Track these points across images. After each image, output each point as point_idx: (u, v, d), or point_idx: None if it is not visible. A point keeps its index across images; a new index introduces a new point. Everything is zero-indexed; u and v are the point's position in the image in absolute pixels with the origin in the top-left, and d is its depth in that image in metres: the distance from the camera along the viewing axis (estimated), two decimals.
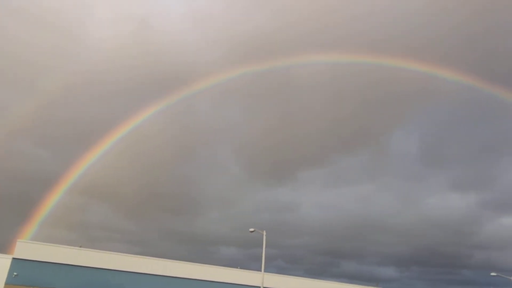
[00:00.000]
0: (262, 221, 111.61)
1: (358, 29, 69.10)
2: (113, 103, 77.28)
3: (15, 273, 40.10)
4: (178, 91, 66.84)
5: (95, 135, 64.66)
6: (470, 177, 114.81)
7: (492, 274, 47.54)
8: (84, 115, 77.63)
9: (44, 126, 73.76)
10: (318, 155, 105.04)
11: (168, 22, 79.88)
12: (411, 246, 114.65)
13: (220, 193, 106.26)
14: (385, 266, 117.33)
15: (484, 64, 72.67)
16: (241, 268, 53.51)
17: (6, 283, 39.86)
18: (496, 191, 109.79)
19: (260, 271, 39.43)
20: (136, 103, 68.90)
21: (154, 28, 77.06)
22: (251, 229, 38.04)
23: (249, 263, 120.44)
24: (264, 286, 39.93)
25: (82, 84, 72.38)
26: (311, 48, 68.82)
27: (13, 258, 40.80)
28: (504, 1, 64.69)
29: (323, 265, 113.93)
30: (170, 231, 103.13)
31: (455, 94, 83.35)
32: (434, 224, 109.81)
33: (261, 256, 38.85)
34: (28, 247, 41.69)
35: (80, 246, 45.04)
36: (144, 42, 75.17)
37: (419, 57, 63.84)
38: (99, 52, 71.48)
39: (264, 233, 38.95)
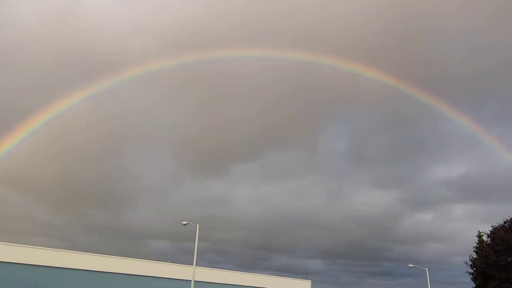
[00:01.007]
0: (194, 214, 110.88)
1: (294, 26, 70.55)
2: (34, 86, 72.03)
3: None
4: (108, 78, 63.84)
5: (13, 120, 59.90)
6: (392, 176, 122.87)
7: (410, 265, 51.09)
8: (1, 97, 71.69)
9: None
10: (251, 150, 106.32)
11: (98, 3, 75.80)
12: (337, 240, 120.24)
13: (151, 186, 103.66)
14: (313, 259, 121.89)
15: (411, 69, 77.74)
16: (172, 262, 52.59)
17: None
18: (414, 189, 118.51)
19: (192, 264, 39.00)
20: (61, 89, 64.91)
21: (83, 8, 72.85)
22: (184, 222, 37.45)
23: (180, 257, 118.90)
24: (195, 279, 39.55)
25: (0, 63, 66.67)
26: (246, 42, 69.09)
27: None
28: (435, 8, 69.53)
29: (254, 258, 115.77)
30: (97, 225, 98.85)
31: (382, 96, 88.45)
32: (359, 219, 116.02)
33: (193, 250, 38.43)
34: None
35: None
36: (72, 23, 70.78)
37: (351, 58, 66.54)
38: (22, 30, 66.14)
39: (198, 226, 38.54)
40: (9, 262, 40.07)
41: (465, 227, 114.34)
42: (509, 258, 43.62)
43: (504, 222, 47.55)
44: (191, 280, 38.94)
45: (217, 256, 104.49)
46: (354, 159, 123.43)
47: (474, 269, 48.27)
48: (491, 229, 48.19)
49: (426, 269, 50.08)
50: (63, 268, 42.46)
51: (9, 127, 57.63)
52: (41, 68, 70.26)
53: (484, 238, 50.19)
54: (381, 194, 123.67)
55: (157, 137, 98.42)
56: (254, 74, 79.57)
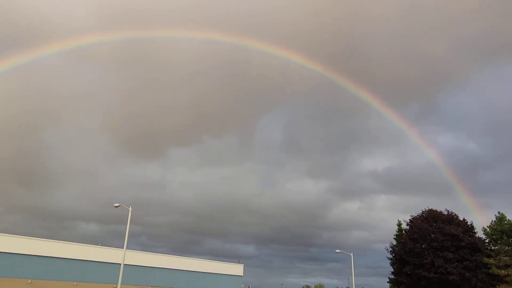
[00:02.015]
0: (127, 197, 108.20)
1: (232, 10, 70.16)
2: None
3: None
4: (36, 50, 59.72)
5: None
6: (323, 166, 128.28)
7: (336, 251, 53.79)
8: None
9: None
10: (187, 135, 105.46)
11: None
12: (270, 226, 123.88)
13: (80, 165, 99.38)
14: (246, 244, 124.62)
15: (346, 64, 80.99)
16: (102, 245, 51.20)
17: None
18: (343, 179, 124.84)
19: (122, 248, 38.34)
20: None
21: None
22: (116, 204, 36.60)
23: (111, 240, 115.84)
24: (126, 263, 38.95)
25: None
26: (188, 24, 67.81)
27: None
28: (374, 10, 72.62)
29: (188, 243, 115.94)
30: (20, 205, 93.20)
31: (318, 89, 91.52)
32: (290, 206, 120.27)
33: (124, 233, 37.76)
34: None
35: None
36: None
37: (290, 48, 67.35)
38: None
39: (130, 208, 37.87)
40: None
41: (387, 216, 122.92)
42: (423, 245, 47.55)
43: (422, 213, 51.63)
44: (120, 264, 38.27)
45: (150, 239, 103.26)
46: (288, 148, 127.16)
47: (393, 255, 51.88)
48: (410, 219, 52.14)
49: (351, 254, 53.08)
50: None
51: None
52: None
53: (404, 226, 54.00)
54: (312, 183, 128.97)
55: (89, 116, 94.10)
56: (193, 58, 78.64)
